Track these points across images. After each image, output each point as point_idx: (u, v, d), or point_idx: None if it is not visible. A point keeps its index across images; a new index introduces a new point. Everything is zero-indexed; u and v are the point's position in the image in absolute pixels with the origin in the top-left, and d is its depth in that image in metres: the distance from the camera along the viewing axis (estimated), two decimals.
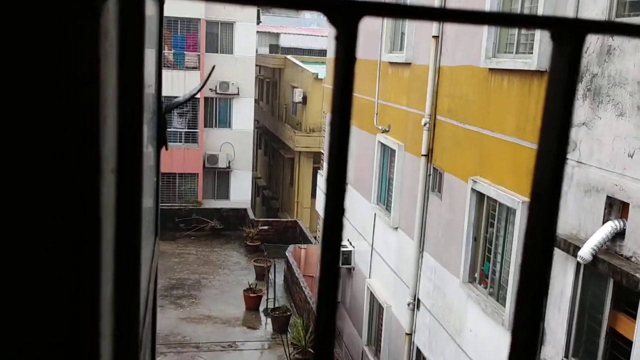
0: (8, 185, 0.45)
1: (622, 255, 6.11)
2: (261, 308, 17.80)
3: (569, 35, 0.43)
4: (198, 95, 25.42)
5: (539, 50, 7.44)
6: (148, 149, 1.19)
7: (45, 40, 0.44)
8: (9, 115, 0.44)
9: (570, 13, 6.88)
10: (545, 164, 0.45)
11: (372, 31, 13.50)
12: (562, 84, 0.43)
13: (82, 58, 0.44)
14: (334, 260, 0.44)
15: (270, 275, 18.52)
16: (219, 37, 26.45)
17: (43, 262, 0.47)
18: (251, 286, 18.04)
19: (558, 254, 7.00)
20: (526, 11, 8.12)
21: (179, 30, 25.69)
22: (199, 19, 25.53)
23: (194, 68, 25.58)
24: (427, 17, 0.44)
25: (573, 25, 0.43)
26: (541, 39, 7.43)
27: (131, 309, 0.76)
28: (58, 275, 0.48)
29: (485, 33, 8.70)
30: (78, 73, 0.44)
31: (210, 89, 26.17)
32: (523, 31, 8.19)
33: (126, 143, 0.63)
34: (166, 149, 1.55)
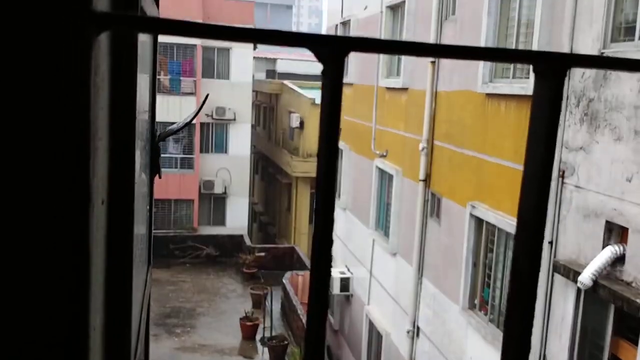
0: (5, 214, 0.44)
1: (622, 280, 6.06)
2: (258, 337, 17.58)
3: (550, 69, 0.42)
4: (194, 121, 25.49)
5: None
6: (141, 177, 1.15)
7: (37, 74, 0.44)
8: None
9: (565, 38, 6.93)
10: (529, 194, 0.44)
11: (368, 57, 13.59)
12: (544, 117, 0.43)
13: (73, 92, 0.43)
14: (324, 287, 0.44)
15: (267, 303, 18.34)
16: (215, 63, 26.64)
17: (30, 291, 0.45)
18: (247, 314, 17.84)
19: (558, 279, 6.93)
20: (522, 36, 8.18)
21: (175, 56, 25.87)
22: (195, 45, 25.74)
23: (190, 93, 25.69)
24: (411, 52, 0.46)
25: (554, 60, 0.43)
26: None
27: (123, 338, 0.73)
28: (46, 303, 0.46)
29: None
30: (68, 107, 0.43)
31: (206, 114, 26.25)
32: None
33: (118, 174, 0.60)
34: (159, 177, 1.51)
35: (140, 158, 1.20)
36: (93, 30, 0.43)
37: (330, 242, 0.44)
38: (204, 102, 2.50)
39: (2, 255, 0.45)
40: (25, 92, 0.44)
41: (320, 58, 0.42)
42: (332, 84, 0.42)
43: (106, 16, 0.43)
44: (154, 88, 1.62)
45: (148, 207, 1.43)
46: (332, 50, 0.42)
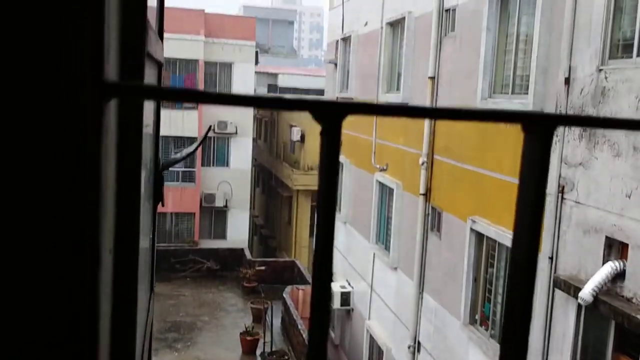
0: (10, 267, 0.46)
1: (622, 296, 6.06)
2: (258, 352, 17.49)
3: (538, 128, 0.45)
4: (196, 135, 25.56)
5: (535, 90, 7.53)
6: (144, 207, 1.18)
7: (52, 141, 0.47)
8: (12, 199, 0.45)
9: (564, 55, 6.99)
10: (521, 246, 0.47)
11: (369, 72, 13.68)
12: (534, 173, 0.46)
13: (85, 156, 0.46)
14: (326, 299, 0.46)
15: (267, 318, 18.27)
16: (217, 78, 26.76)
17: (43, 347, 0.47)
18: (248, 329, 17.77)
19: (559, 295, 6.93)
20: (521, 52, 8.24)
21: (177, 71, 26.00)
22: (198, 60, 25.87)
23: (192, 108, 25.78)
24: (407, 115, 0.49)
25: (542, 120, 0.46)
26: (536, 80, 7.53)
27: None
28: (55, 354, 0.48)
29: (481, 73, 8.82)
30: (81, 169, 0.46)
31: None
32: (518, 72, 8.31)
33: (124, 224, 0.63)
34: (162, 205, 1.53)
35: (144, 188, 1.23)
36: (103, 99, 0.47)
37: (330, 263, 0.46)
38: (207, 132, 2.53)
39: (13, 309, 0.47)
40: (42, 158, 0.46)
41: (319, 120, 0.45)
42: (330, 144, 0.45)
43: (115, 86, 0.47)
44: (159, 115, 1.66)
45: (151, 235, 1.46)
46: (330, 114, 0.45)
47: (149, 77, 1.21)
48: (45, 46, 0.46)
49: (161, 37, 1.53)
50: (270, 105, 0.47)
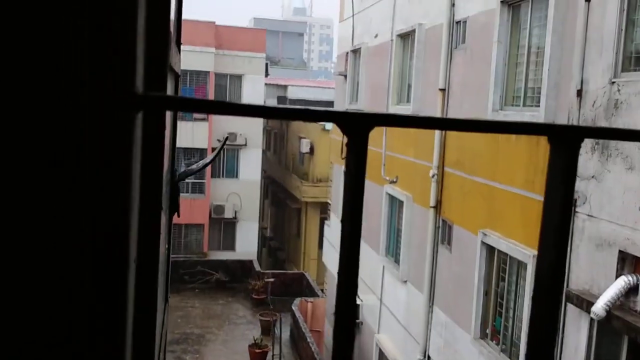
0: (38, 277, 0.46)
1: (636, 311, 5.98)
2: None
3: (565, 140, 0.44)
4: (206, 146, 25.66)
5: (546, 103, 7.50)
6: (162, 218, 1.17)
7: (82, 148, 0.48)
8: (45, 210, 0.45)
9: (576, 67, 6.96)
10: (547, 258, 0.46)
11: (379, 83, 13.70)
12: (560, 185, 0.45)
13: (117, 165, 0.47)
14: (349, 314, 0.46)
15: (276, 330, 18.21)
16: (227, 89, 26.91)
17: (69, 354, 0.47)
18: (256, 341, 17.71)
19: (571, 309, 6.86)
20: (532, 64, 8.22)
21: (188, 83, 26.17)
22: (208, 72, 26.04)
23: (203, 119, 25.92)
24: (429, 126, 0.48)
25: (569, 132, 0.45)
26: (548, 93, 7.50)
27: None
28: None
29: (492, 85, 8.80)
30: (113, 178, 0.46)
31: (218, 140, 26.42)
32: (530, 84, 8.28)
33: (146, 233, 0.63)
34: (178, 216, 1.53)
35: (162, 199, 1.23)
36: (134, 110, 0.47)
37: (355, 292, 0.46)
38: (223, 143, 2.54)
39: (39, 317, 0.47)
40: (77, 169, 0.48)
41: (345, 132, 0.45)
42: (357, 157, 0.45)
43: (145, 98, 0.47)
44: (175, 126, 1.66)
45: (167, 246, 1.45)
46: (357, 125, 0.45)
47: (169, 88, 1.21)
48: (81, 58, 0.47)
49: (179, 48, 1.54)
50: (298, 117, 0.47)
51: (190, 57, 25.10)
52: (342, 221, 0.46)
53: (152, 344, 0.71)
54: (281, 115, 0.45)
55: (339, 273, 0.47)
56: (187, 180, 26.42)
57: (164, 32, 0.76)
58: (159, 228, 0.72)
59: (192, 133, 25.35)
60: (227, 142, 26.55)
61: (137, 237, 0.61)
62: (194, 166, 2.37)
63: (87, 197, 0.47)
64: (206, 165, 2.51)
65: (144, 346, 0.69)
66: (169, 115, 1.34)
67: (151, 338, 0.71)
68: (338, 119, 0.44)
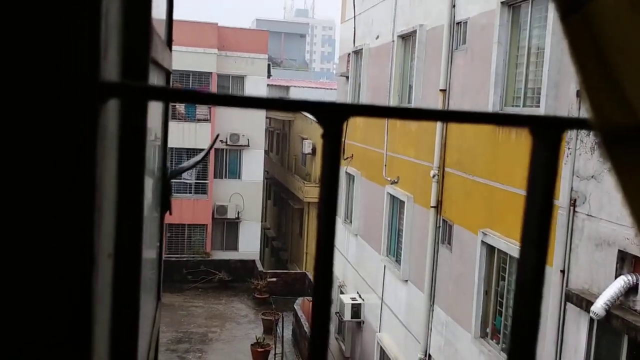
0: (4, 269, 0.46)
1: (635, 310, 5.99)
2: None
3: (547, 132, 0.44)
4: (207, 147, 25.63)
5: (546, 102, 7.51)
6: (151, 215, 1.20)
7: (42, 139, 0.46)
8: (4, 200, 0.45)
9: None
10: (529, 255, 0.46)
11: (380, 84, 13.72)
12: (541, 178, 0.45)
13: (79, 157, 0.46)
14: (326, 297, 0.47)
15: (278, 329, 18.23)
16: (230, 90, 26.88)
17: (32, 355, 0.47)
18: (259, 340, 17.74)
19: (571, 308, 6.87)
20: (532, 65, 8.23)
21: (190, 83, 26.20)
22: (211, 73, 26.06)
23: (205, 120, 25.95)
24: (411, 117, 0.47)
25: (551, 123, 0.45)
26: (547, 93, 7.51)
27: None
28: None
29: (492, 86, 8.81)
30: (75, 171, 0.46)
31: (220, 141, 26.46)
32: (530, 84, 8.30)
33: (125, 227, 0.64)
34: (170, 214, 1.56)
35: (151, 196, 1.26)
36: (99, 100, 0.47)
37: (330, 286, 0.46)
38: (214, 140, 2.56)
39: (3, 318, 0.47)
40: (35, 158, 0.47)
41: (321, 122, 0.45)
42: (331, 146, 0.44)
43: (111, 86, 0.48)
44: (167, 122, 1.69)
45: (158, 244, 1.48)
46: (332, 116, 0.44)
47: (158, 83, 1.23)
48: (40, 44, 0.46)
49: (170, 48, 1.56)
50: (271, 106, 0.47)
51: (193, 58, 25.14)
52: (318, 210, 0.47)
53: (135, 339, 0.73)
54: (253, 105, 0.45)
55: (314, 268, 0.48)
56: (189, 181, 26.46)
57: (145, 23, 0.76)
58: (141, 223, 0.74)
59: (195, 134, 25.38)
60: (230, 143, 26.58)
61: (115, 231, 0.63)
62: (185, 164, 2.39)
63: (48, 188, 0.46)
64: (197, 163, 2.52)
65: (125, 341, 0.70)
66: (157, 110, 1.36)
67: (134, 332, 0.72)
68: (312, 109, 0.44)
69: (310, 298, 19.98)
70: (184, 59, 24.46)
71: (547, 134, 0.46)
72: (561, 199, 7.11)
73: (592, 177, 6.72)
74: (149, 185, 1.19)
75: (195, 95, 0.47)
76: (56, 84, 0.46)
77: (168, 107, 1.71)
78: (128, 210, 0.66)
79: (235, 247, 27.19)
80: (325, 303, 0.47)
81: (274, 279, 22.98)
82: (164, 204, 1.44)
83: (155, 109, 1.35)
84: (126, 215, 0.65)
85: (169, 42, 1.58)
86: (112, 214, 0.60)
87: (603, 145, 0.47)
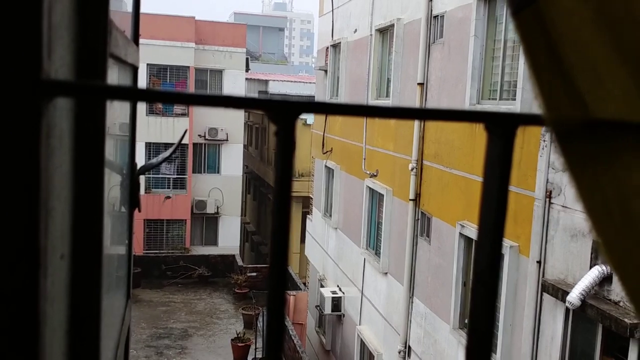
0: None
1: (610, 299, 6.10)
2: (249, 358, 17.44)
3: (500, 127, 0.45)
4: (187, 142, 25.52)
5: (522, 96, 7.59)
6: (120, 212, 1.18)
7: None
8: None
9: None
10: (485, 245, 0.47)
11: (359, 77, 13.73)
12: (497, 172, 0.46)
13: (20, 155, 0.45)
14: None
15: (258, 324, 18.23)
16: (207, 84, 26.74)
17: None
18: (239, 335, 17.72)
19: (547, 299, 6.97)
20: (508, 58, 8.30)
21: (168, 78, 25.97)
22: (188, 67, 25.86)
23: (183, 114, 25.75)
24: (356, 113, 0.48)
25: (504, 119, 0.46)
26: (524, 86, 7.59)
27: None
28: None
29: (469, 79, 8.87)
30: (15, 169, 0.44)
31: (199, 135, 26.30)
32: (506, 78, 8.37)
33: (82, 226, 0.63)
34: (139, 210, 1.54)
35: (119, 193, 1.24)
36: (42, 98, 0.46)
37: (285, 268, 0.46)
38: (182, 136, 2.54)
39: None
40: None
41: (273, 120, 0.45)
42: (284, 143, 0.44)
43: (55, 85, 0.46)
44: (134, 118, 1.66)
45: (127, 242, 1.46)
46: (284, 113, 0.44)
47: (122, 79, 1.22)
48: None
49: (136, 42, 1.54)
50: (224, 104, 0.46)
51: (170, 52, 24.91)
52: (272, 211, 0.47)
53: (96, 339, 0.71)
54: (206, 103, 0.45)
55: (269, 263, 0.48)
56: (168, 176, 26.27)
57: (101, 20, 0.74)
58: (101, 222, 0.72)
59: (173, 128, 25.19)
60: (209, 137, 26.43)
61: (71, 232, 0.61)
62: (154, 160, 2.37)
63: None
64: (166, 159, 2.50)
65: (85, 343, 0.69)
66: (124, 105, 1.34)
67: (95, 333, 0.70)
68: (264, 106, 0.44)
69: (290, 292, 20.02)
70: (161, 53, 24.23)
71: (501, 130, 0.46)
72: (537, 191, 7.19)
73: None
74: (116, 181, 1.17)
75: (139, 92, 0.46)
76: None
77: (136, 102, 1.68)
78: (85, 209, 0.65)
79: (214, 242, 27.10)
80: (280, 295, 0.47)
81: (254, 274, 22.96)
82: (133, 201, 1.42)
83: (122, 103, 1.32)
84: (83, 214, 0.64)
85: (136, 37, 1.56)
86: (66, 214, 0.59)
87: (556, 140, 0.47)
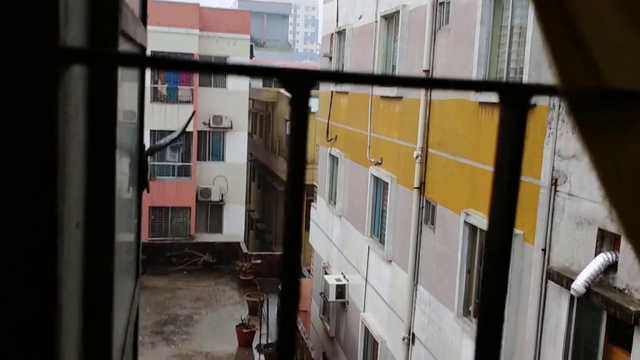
0: None
1: (615, 287, 6.10)
2: (254, 344, 17.55)
3: (515, 98, 0.45)
4: (192, 129, 25.52)
5: (528, 81, 7.51)
6: (129, 193, 1.19)
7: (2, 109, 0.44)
8: None
9: None
10: (497, 218, 0.46)
11: (364, 65, 13.67)
12: (510, 144, 0.46)
13: (39, 125, 0.45)
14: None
15: (263, 310, 18.33)
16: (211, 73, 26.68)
17: None
18: (244, 321, 17.82)
19: (552, 286, 6.97)
20: (514, 45, 8.25)
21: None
22: (193, 54, 25.80)
23: (188, 102, 25.74)
24: (371, 82, 0.48)
25: (518, 89, 0.46)
26: (530, 72, 7.54)
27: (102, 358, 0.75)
28: (12, 337, 0.47)
29: (475, 65, 8.82)
30: (35, 138, 0.45)
31: (203, 123, 26.30)
32: (512, 64, 8.32)
33: (96, 196, 0.63)
34: (147, 191, 1.54)
35: (127, 173, 1.24)
36: (60, 65, 0.46)
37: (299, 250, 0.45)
38: (190, 117, 2.54)
39: None
40: None
41: (287, 88, 0.45)
42: (299, 113, 0.44)
43: (72, 52, 0.46)
44: (143, 101, 1.66)
45: (136, 221, 1.46)
46: (299, 81, 0.44)
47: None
48: None
49: (144, 24, 1.54)
50: (236, 72, 0.46)
51: (174, 39, 24.85)
52: (286, 180, 0.47)
53: (109, 307, 0.72)
54: (217, 71, 0.45)
55: (283, 239, 0.48)
56: (173, 164, 26.31)
57: None
58: (113, 193, 0.72)
59: (177, 116, 25.18)
60: (213, 125, 26.41)
61: (85, 201, 0.62)
62: (162, 141, 2.37)
63: (7, 153, 0.45)
64: (173, 140, 2.51)
65: (99, 308, 0.69)
66: (132, 89, 1.34)
67: (108, 300, 0.71)
68: (278, 75, 0.43)
69: None
70: (165, 40, 24.17)
71: (515, 100, 0.46)
72: (543, 179, 7.17)
73: (573, 156, 6.78)
74: (125, 162, 1.17)
75: (152, 60, 0.46)
76: (13, 47, 0.45)
77: (144, 85, 1.68)
78: (98, 177, 0.65)
79: (219, 230, 27.17)
80: (294, 271, 0.47)
81: (259, 261, 23.05)
82: (141, 182, 1.43)
83: (130, 88, 1.32)
84: (96, 182, 0.64)
85: (144, 19, 1.55)
86: (81, 182, 0.59)
87: (569, 110, 0.47)
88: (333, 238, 15.96)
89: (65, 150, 0.48)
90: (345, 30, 15.03)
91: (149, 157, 1.61)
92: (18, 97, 0.45)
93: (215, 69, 0.47)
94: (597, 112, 0.46)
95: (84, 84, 0.60)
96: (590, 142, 0.47)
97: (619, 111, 0.45)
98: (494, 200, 0.50)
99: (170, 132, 24.90)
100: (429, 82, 0.50)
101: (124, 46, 1.01)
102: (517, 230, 7.68)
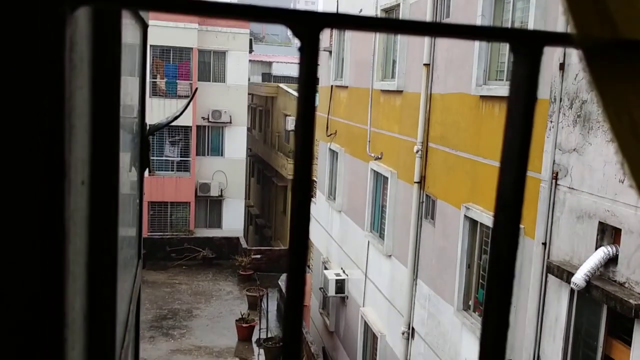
0: None
1: (615, 281, 6.09)
2: (254, 338, 17.57)
3: (527, 47, 0.43)
4: (190, 124, 25.47)
5: None
6: (131, 171, 1.17)
7: (7, 51, 0.43)
8: None
9: (560, 24, 6.96)
10: (508, 178, 0.45)
11: (364, 59, 13.64)
12: (522, 95, 0.44)
13: (45, 68, 0.44)
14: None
15: (263, 305, 18.34)
16: (211, 66, 26.64)
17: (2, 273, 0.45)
18: (243, 316, 17.84)
19: (552, 280, 6.97)
20: (518, 19, 8.21)
21: (171, 59, 25.86)
22: (192, 48, 25.74)
23: (186, 96, 25.67)
24: (383, 29, 0.45)
25: (531, 37, 0.44)
26: None
27: (106, 322, 0.74)
28: (20, 287, 0.46)
29: (475, 60, 8.80)
30: (41, 81, 0.43)
31: (202, 118, 26.26)
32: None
33: (100, 156, 0.62)
34: (149, 172, 1.53)
35: (130, 151, 1.22)
36: (66, 6, 0.45)
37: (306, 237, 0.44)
38: (193, 94, 2.53)
39: None
40: None
41: (296, 33, 0.43)
42: (308, 58, 0.42)
43: None
44: (144, 86, 1.64)
45: (138, 201, 1.45)
46: (308, 26, 0.42)
47: (133, 35, 1.20)
48: None
49: None
50: (242, 16, 0.44)
51: (173, 33, 24.78)
52: (295, 129, 0.44)
53: (114, 263, 0.71)
54: (222, 14, 0.42)
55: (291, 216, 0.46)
56: (172, 159, 26.28)
57: None
58: (117, 150, 0.71)
59: (176, 110, 25.14)
60: (212, 120, 26.38)
61: (90, 159, 0.60)
62: (163, 120, 2.36)
63: (6, 99, 0.44)
64: (175, 118, 2.50)
65: (103, 263, 0.68)
66: (135, 78, 1.32)
67: (112, 256, 0.70)
68: (286, 18, 0.42)
69: None
70: (164, 34, 24.11)
71: (527, 50, 0.45)
72: (543, 172, 7.16)
73: (574, 150, 6.77)
74: (129, 140, 1.15)
75: (156, 1, 0.44)
76: None
77: (145, 72, 1.66)
78: (103, 137, 0.64)
79: (219, 225, 27.17)
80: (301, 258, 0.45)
81: (258, 256, 23.06)
82: (144, 161, 1.41)
83: (132, 84, 1.30)
84: (101, 143, 0.63)
85: None
86: (86, 138, 0.57)
87: (584, 59, 0.46)
88: (333, 233, 15.96)
89: (70, 100, 0.47)
90: None
91: (150, 137, 1.60)
92: (25, 37, 0.44)
93: (219, 12, 0.44)
94: (612, 62, 0.45)
95: (89, 35, 0.58)
96: (604, 92, 0.47)
97: (634, 62, 0.44)
98: (505, 151, 0.48)
99: (170, 127, 24.89)
100: (437, 28, 0.47)
101: (128, 22, 0.99)
102: None
